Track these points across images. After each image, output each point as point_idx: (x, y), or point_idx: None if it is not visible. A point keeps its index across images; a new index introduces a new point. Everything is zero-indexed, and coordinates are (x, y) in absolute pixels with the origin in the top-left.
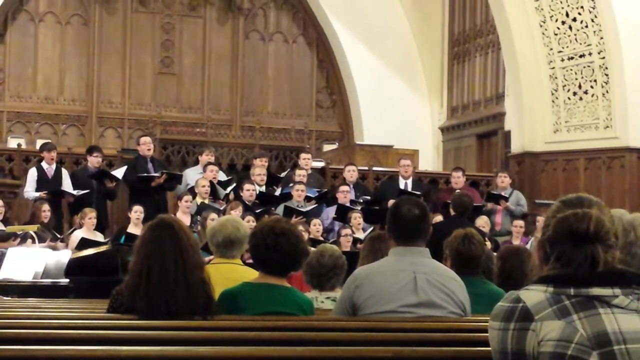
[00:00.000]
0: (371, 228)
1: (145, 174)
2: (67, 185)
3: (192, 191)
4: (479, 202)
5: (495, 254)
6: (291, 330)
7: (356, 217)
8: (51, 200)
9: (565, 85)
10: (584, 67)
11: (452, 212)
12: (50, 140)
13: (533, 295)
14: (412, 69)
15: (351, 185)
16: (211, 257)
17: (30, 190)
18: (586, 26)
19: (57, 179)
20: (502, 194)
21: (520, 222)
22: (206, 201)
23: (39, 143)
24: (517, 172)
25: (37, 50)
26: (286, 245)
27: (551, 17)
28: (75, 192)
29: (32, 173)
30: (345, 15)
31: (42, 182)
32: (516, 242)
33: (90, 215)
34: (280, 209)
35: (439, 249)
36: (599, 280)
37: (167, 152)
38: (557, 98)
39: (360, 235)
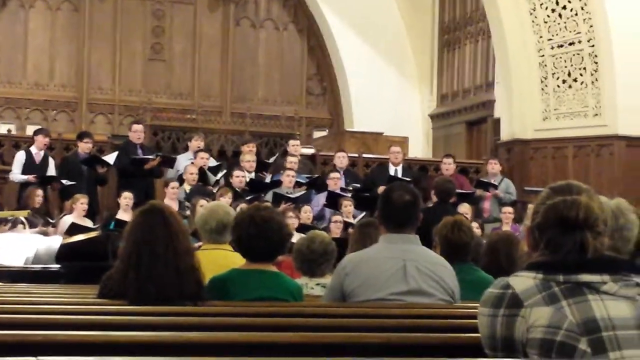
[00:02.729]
0: (362, 214)
1: (140, 157)
2: (52, 172)
3: (181, 177)
4: (469, 189)
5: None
6: (281, 316)
7: (347, 205)
8: (39, 185)
9: (554, 73)
10: (574, 55)
11: (435, 198)
12: (45, 128)
13: (522, 281)
14: (402, 57)
15: (341, 172)
16: (200, 243)
17: (17, 172)
18: (576, 14)
19: (44, 166)
20: (492, 181)
21: (509, 209)
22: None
23: (29, 129)
24: (506, 159)
25: (27, 37)
26: (269, 233)
27: (541, 4)
28: (64, 181)
29: (20, 156)
30: (335, 2)
31: (29, 166)
32: (506, 229)
33: (82, 201)
34: (269, 196)
35: (424, 236)
36: (588, 267)
37: (158, 139)
38: (546, 86)
39: (352, 221)
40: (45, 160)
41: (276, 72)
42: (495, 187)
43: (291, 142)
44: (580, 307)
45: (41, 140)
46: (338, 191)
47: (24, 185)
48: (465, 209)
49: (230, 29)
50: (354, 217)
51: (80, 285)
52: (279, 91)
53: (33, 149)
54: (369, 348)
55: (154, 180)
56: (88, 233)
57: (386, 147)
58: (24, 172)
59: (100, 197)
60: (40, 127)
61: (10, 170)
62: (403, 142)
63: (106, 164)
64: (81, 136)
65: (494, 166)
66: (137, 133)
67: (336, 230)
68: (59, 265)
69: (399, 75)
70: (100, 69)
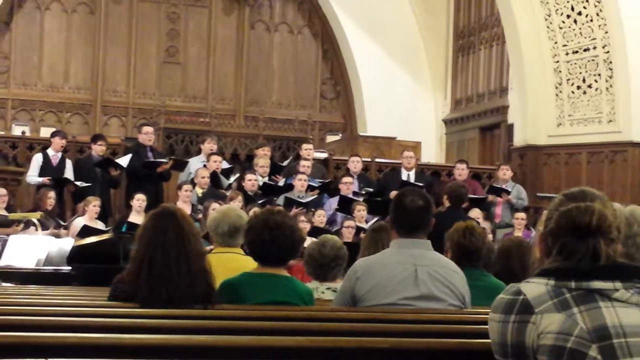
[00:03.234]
0: (375, 219)
1: (152, 160)
2: (69, 174)
3: (193, 180)
4: (482, 195)
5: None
6: (292, 320)
7: (360, 209)
8: (54, 187)
9: (569, 79)
10: (588, 61)
11: (447, 203)
12: (61, 130)
13: (534, 287)
14: (416, 61)
15: (355, 177)
16: (211, 246)
17: (33, 175)
18: (591, 20)
19: (61, 168)
20: (504, 186)
21: (522, 215)
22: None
23: (44, 131)
24: (519, 165)
25: (43, 38)
26: (282, 238)
27: (556, 10)
28: (78, 183)
29: (37, 158)
30: (350, 6)
31: (46, 168)
32: (518, 234)
33: (94, 203)
34: (281, 200)
35: (436, 241)
36: (600, 274)
37: (171, 142)
38: (560, 92)
39: (364, 225)
40: (62, 163)
41: (290, 76)
42: (508, 192)
43: (304, 146)
44: (591, 314)
45: (58, 142)
46: (350, 195)
47: (40, 187)
48: (476, 213)
49: (244, 32)
50: (367, 222)
51: (91, 288)
52: (293, 95)
53: (50, 151)
54: (379, 353)
55: (161, 183)
56: (100, 235)
57: (399, 151)
58: (41, 175)
59: (113, 200)
60: (56, 129)
61: (24, 172)
62: (416, 146)
63: (119, 166)
64: (95, 139)
65: (505, 172)
66: (147, 135)
67: (348, 235)
68: (70, 267)
69: (413, 79)
70: (115, 71)
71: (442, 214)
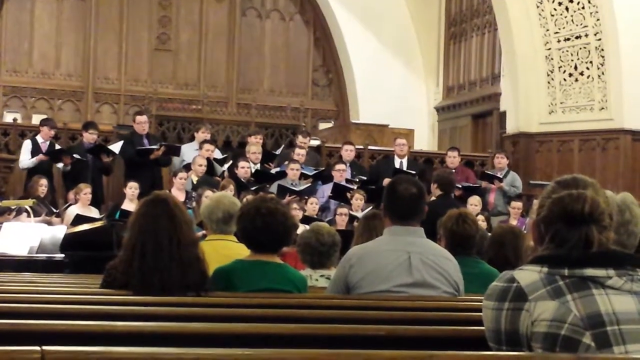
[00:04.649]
0: (369, 207)
1: (144, 147)
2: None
3: (187, 167)
4: (474, 182)
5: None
6: (285, 307)
7: (358, 198)
8: (47, 168)
9: (561, 67)
10: (580, 48)
11: (437, 192)
12: (51, 118)
13: (527, 275)
14: (408, 49)
15: (347, 164)
16: (204, 231)
17: (26, 158)
18: (583, 7)
19: None
20: (498, 174)
21: (518, 204)
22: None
23: (35, 118)
24: (512, 152)
25: (34, 25)
26: (275, 225)
27: None
28: (75, 155)
29: (27, 144)
30: None
31: (36, 154)
32: (513, 223)
33: (85, 191)
34: (274, 187)
35: (430, 228)
36: (593, 261)
37: (163, 129)
38: (552, 79)
39: (359, 214)
40: (51, 148)
41: (282, 63)
42: (500, 179)
43: (300, 137)
44: (585, 301)
45: (46, 132)
46: (344, 183)
47: (31, 174)
48: (475, 201)
49: (236, 19)
50: (362, 210)
51: (84, 275)
52: (285, 82)
53: (39, 139)
54: (372, 340)
55: (160, 169)
56: (93, 223)
57: (392, 139)
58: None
59: (105, 187)
60: (46, 117)
61: (16, 159)
62: (409, 134)
63: (111, 153)
64: (86, 127)
65: (500, 160)
66: (141, 124)
67: (341, 223)
68: (63, 255)
69: (405, 67)
70: (106, 58)
71: (434, 202)
